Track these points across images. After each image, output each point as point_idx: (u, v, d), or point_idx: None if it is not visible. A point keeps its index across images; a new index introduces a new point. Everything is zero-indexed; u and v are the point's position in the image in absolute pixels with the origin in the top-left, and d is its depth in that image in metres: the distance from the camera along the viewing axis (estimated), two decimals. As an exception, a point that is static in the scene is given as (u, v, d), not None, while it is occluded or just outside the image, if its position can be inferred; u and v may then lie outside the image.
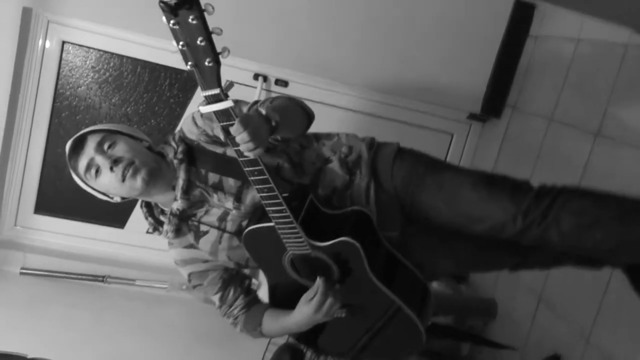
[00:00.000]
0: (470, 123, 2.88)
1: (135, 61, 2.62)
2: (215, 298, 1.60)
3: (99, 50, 2.59)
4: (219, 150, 1.48)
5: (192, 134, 1.52)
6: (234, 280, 1.60)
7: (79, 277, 2.70)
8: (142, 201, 1.59)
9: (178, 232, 1.54)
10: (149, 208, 1.59)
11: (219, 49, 1.02)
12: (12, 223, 2.76)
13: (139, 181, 1.43)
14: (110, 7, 2.47)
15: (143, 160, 1.46)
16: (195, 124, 1.51)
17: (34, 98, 2.59)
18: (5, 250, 2.70)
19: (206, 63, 1.02)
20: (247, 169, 1.23)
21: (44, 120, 2.63)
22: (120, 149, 1.46)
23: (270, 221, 1.33)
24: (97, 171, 1.46)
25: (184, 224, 1.53)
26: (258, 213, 1.42)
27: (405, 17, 2.67)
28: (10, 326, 2.36)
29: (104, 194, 1.54)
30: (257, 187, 1.25)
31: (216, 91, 1.07)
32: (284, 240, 1.36)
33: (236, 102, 1.23)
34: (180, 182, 1.46)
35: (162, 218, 1.57)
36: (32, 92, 2.58)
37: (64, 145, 1.54)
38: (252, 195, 1.43)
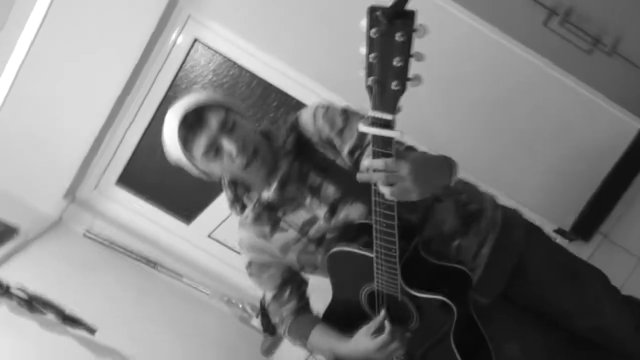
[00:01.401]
0: (555, 237, 2.77)
1: (253, 76, 2.71)
2: (269, 294, 1.56)
3: (225, 56, 2.70)
4: (329, 154, 1.41)
5: (307, 126, 1.44)
6: (292, 281, 1.55)
7: (134, 256, 2.77)
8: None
9: (257, 219, 1.48)
10: (235, 186, 1.50)
11: (410, 75, 0.94)
12: (93, 186, 2.89)
13: (253, 167, 1.36)
14: (249, 22, 2.57)
15: (260, 147, 1.37)
16: (314, 121, 1.43)
17: (152, 81, 2.73)
18: (77, 209, 2.83)
19: (392, 85, 0.94)
20: (375, 198, 1.17)
21: (153, 104, 2.76)
22: (241, 132, 1.35)
23: (370, 251, 1.27)
24: (217, 152, 1.34)
25: (266, 213, 1.47)
26: (350, 233, 1.37)
27: (527, 115, 2.61)
28: (57, 277, 2.45)
29: (203, 171, 1.42)
30: (377, 218, 1.19)
31: (389, 117, 0.99)
32: (376, 275, 1.30)
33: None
34: (280, 174, 1.39)
35: (245, 200, 1.50)
36: (152, 76, 2.71)
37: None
38: (347, 213, 1.39)
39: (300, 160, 1.42)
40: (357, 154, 1.39)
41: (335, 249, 1.36)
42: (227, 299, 2.73)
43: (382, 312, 1.35)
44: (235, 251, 2.86)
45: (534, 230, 1.51)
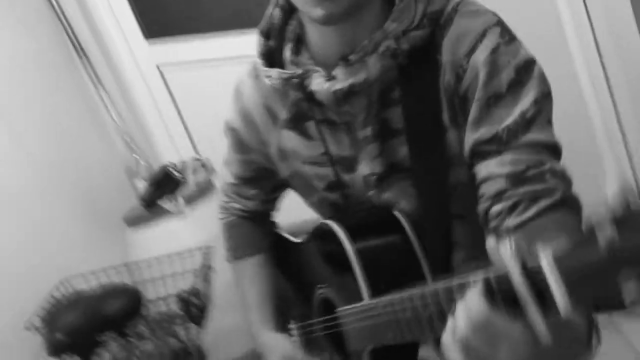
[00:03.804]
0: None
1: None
2: (230, 179, 1.16)
3: None
4: (445, 116, 0.87)
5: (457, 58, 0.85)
6: (266, 184, 1.14)
7: (70, 30, 2.26)
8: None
9: (284, 94, 0.96)
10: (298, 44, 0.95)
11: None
12: None
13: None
14: None
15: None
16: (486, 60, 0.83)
17: None
18: None
19: None
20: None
21: None
22: None
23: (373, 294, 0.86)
24: None
25: (306, 105, 0.95)
26: (376, 233, 0.94)
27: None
28: None
29: None
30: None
31: None
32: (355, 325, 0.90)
33: None
34: (363, 72, 0.85)
35: (290, 69, 0.93)
36: None
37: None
38: (394, 196, 0.94)
39: (403, 80, 0.88)
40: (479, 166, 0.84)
41: (337, 226, 0.92)
42: (130, 139, 2.28)
43: None
44: (177, 107, 2.44)
45: None
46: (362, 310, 0.85)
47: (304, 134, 0.98)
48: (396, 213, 0.92)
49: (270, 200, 1.19)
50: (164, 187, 2.05)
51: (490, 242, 0.57)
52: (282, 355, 1.08)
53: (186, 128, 2.45)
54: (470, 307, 0.57)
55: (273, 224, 1.24)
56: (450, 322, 0.60)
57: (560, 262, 0.49)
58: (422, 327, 0.71)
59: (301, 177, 1.02)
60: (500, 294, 0.55)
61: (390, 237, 0.92)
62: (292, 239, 1.15)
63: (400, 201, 0.93)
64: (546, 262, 0.50)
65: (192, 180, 2.10)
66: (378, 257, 0.90)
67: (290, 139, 1.00)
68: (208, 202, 2.13)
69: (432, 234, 0.88)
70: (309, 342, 1.09)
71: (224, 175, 1.18)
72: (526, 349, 0.55)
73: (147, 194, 2.09)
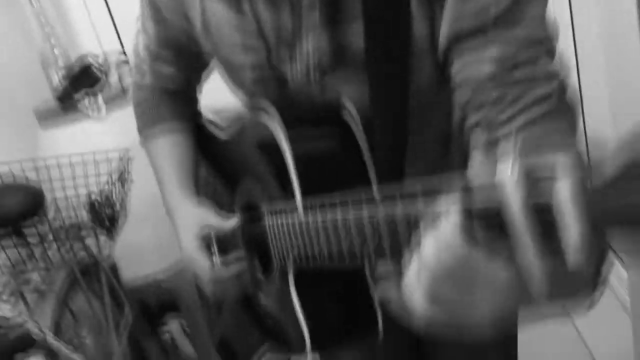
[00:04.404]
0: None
1: None
2: (148, 40, 0.96)
3: None
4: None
5: None
6: (188, 53, 0.95)
7: None
8: None
9: None
10: None
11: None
12: None
13: None
14: None
15: None
16: None
17: None
18: None
19: None
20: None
21: None
22: None
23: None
24: None
25: None
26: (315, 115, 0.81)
27: None
28: None
29: None
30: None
31: None
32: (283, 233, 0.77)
33: None
34: None
35: None
36: None
37: None
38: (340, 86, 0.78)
39: None
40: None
41: (271, 115, 0.77)
42: (46, 21, 2.02)
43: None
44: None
45: None
46: (288, 213, 0.73)
47: (234, 5, 0.79)
48: (343, 105, 0.77)
49: (192, 73, 1.02)
50: (81, 81, 1.84)
51: (476, 158, 0.45)
52: (201, 226, 0.91)
53: (112, 17, 2.20)
54: (441, 244, 0.45)
55: (196, 109, 1.08)
56: (414, 262, 0.48)
57: (590, 199, 0.37)
58: (358, 247, 0.60)
59: (227, 62, 0.86)
60: (486, 229, 0.43)
61: (332, 131, 0.77)
62: (217, 132, 1.01)
63: (347, 96, 0.78)
64: (566, 196, 0.37)
65: (114, 78, 1.90)
66: (316, 152, 0.76)
67: (216, 12, 0.81)
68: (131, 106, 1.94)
69: (384, 137, 0.73)
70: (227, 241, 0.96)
71: (139, 43, 0.99)
72: (510, 296, 0.44)
73: (61, 86, 1.87)
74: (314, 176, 0.73)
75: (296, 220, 0.71)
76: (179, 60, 0.97)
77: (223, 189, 0.99)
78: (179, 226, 0.95)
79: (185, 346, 2.13)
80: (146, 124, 1.03)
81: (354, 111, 0.76)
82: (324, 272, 0.72)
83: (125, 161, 1.66)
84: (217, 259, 0.89)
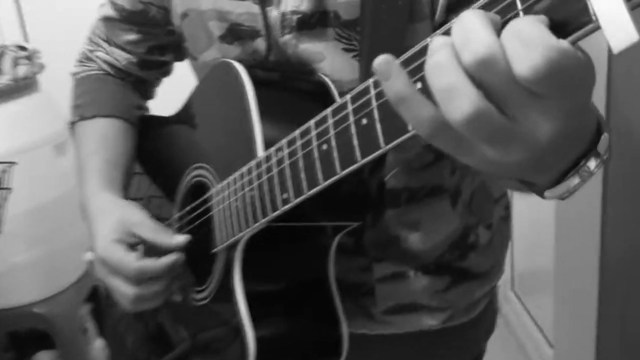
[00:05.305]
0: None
1: None
2: (112, 8, 0.88)
3: None
4: None
5: None
6: (152, 32, 0.88)
7: None
8: None
9: None
10: None
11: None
12: None
13: None
14: None
15: None
16: None
17: None
18: None
19: None
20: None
21: None
22: None
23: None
24: None
25: None
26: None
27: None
28: None
29: None
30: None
31: None
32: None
33: None
34: None
35: None
36: None
37: None
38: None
39: None
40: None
41: (236, 67, 0.69)
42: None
43: (183, 238, 0.76)
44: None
45: None
46: (245, 176, 0.65)
47: None
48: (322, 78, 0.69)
49: (150, 62, 0.92)
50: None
51: None
52: (119, 219, 0.77)
53: (19, 6, 2.03)
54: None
55: (144, 101, 0.96)
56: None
57: None
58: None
59: (195, 20, 0.77)
60: None
61: (306, 84, 0.69)
62: (165, 115, 0.90)
63: (326, 60, 0.69)
64: None
65: (8, 72, 1.67)
66: (283, 97, 0.69)
67: None
68: (25, 105, 1.72)
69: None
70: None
71: (100, 10, 0.91)
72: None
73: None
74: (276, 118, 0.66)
75: (254, 173, 0.64)
76: (143, 32, 0.88)
77: (165, 200, 0.87)
78: (94, 216, 0.80)
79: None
80: (83, 103, 0.91)
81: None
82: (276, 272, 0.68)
83: (6, 173, 1.47)
84: (142, 262, 0.72)
